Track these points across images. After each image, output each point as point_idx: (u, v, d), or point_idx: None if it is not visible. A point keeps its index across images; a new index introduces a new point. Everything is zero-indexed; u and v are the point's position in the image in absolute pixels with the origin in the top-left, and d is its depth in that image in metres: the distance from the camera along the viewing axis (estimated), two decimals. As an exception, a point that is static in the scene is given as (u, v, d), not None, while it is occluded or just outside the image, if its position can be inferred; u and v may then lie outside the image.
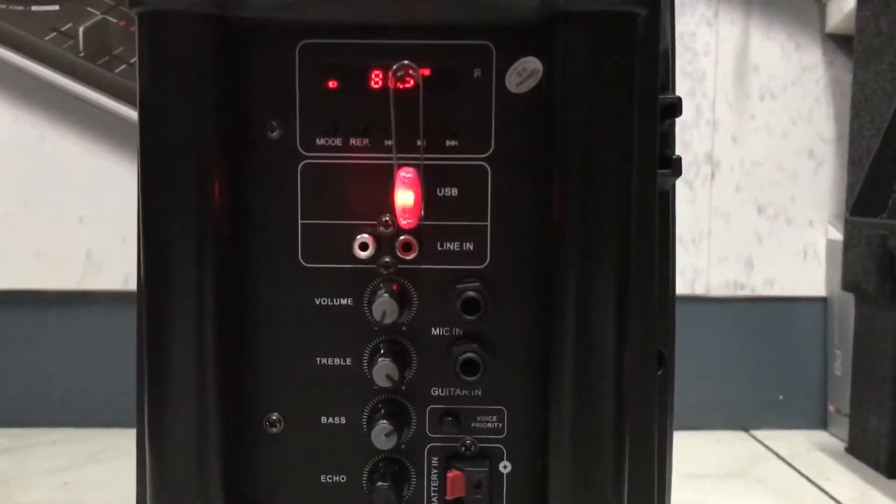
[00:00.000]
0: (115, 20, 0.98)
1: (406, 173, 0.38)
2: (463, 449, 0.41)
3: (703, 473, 0.96)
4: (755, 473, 0.96)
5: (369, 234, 0.40)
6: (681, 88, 1.05)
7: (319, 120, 0.39)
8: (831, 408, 1.09)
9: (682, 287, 1.08)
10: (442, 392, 0.41)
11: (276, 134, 0.40)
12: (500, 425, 0.41)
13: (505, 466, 0.41)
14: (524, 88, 0.39)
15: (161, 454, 0.39)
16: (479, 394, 0.41)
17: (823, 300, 1.09)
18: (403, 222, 0.38)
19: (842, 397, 1.06)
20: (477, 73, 0.39)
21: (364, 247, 0.40)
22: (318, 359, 0.41)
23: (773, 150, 1.08)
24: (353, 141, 0.39)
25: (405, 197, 0.38)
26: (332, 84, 0.39)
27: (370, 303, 0.40)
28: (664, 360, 0.44)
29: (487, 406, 0.41)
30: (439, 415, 0.41)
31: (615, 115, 0.36)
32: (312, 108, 0.39)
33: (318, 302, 0.40)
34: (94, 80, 0.99)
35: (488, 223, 0.40)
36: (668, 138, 0.43)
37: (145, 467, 0.39)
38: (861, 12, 0.97)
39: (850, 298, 1.03)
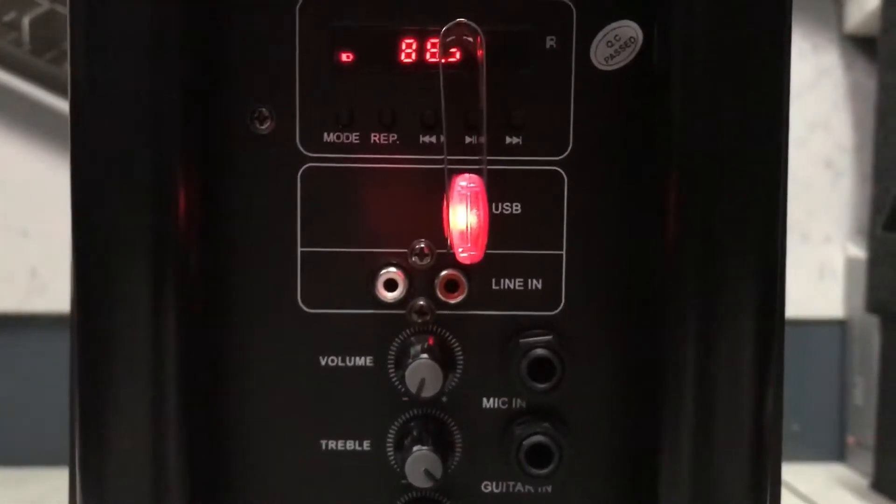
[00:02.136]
0: (64, 10, 0.92)
1: (467, 182, 0.26)
2: None
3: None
4: None
5: (397, 267, 0.31)
6: (692, 92, 0.96)
7: (328, 107, 0.31)
8: (851, 440, 1.02)
9: (691, 308, 0.99)
10: (497, 488, 0.32)
11: (266, 126, 0.31)
12: None
13: (584, 591, 0.30)
14: (617, 64, 0.30)
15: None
16: (549, 491, 0.32)
17: (841, 323, 1.03)
18: (462, 254, 0.27)
19: (863, 428, 0.98)
20: (550, 42, 0.30)
21: (391, 286, 0.31)
22: (323, 442, 0.32)
23: (789, 159, 1.01)
24: (374, 137, 0.31)
25: (466, 217, 0.26)
26: (345, 57, 0.31)
27: (398, 365, 0.31)
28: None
29: None
30: None
31: (763, 99, 0.26)
32: (318, 90, 0.31)
33: (324, 362, 0.31)
34: (40, 76, 0.93)
35: (563, 252, 0.31)
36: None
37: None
38: (888, 12, 0.91)
39: (872, 321, 0.96)
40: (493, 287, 0.31)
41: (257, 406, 0.31)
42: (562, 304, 0.31)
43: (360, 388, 0.31)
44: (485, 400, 0.31)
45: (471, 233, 0.26)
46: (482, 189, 0.27)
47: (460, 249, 0.27)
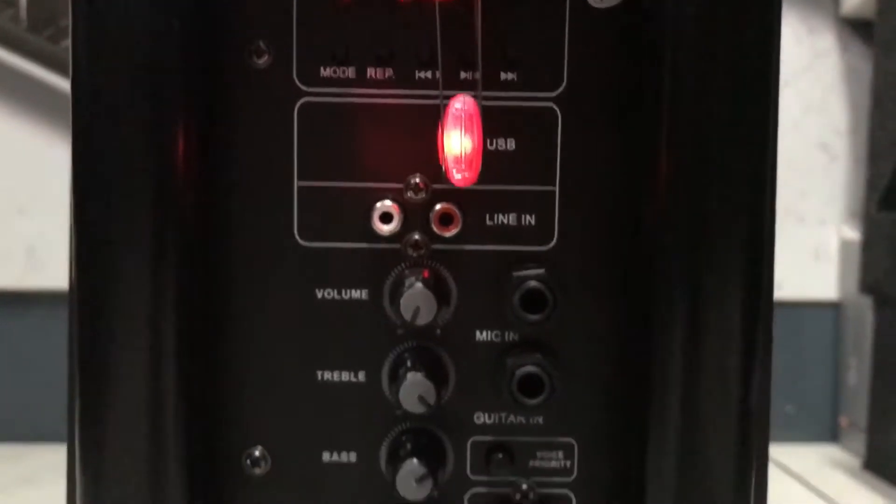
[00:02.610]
0: (62, -13, 0.91)
1: (462, 104, 0.27)
2: (518, 496, 0.32)
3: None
4: (769, 492, 0.90)
5: (393, 201, 0.31)
6: (688, 73, 0.97)
7: (325, 42, 0.31)
8: (844, 421, 1.02)
9: (686, 289, 1.00)
10: (489, 419, 0.32)
11: (264, 61, 0.31)
12: (569, 464, 0.32)
13: (575, 520, 0.31)
14: (611, 2, 0.30)
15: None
16: (541, 421, 0.32)
17: (835, 305, 1.03)
18: (457, 176, 0.27)
19: (856, 409, 0.99)
20: None
21: (386, 218, 0.31)
22: (319, 373, 0.32)
23: (784, 142, 1.01)
24: (371, 72, 0.31)
25: (461, 141, 0.27)
26: None
27: (393, 296, 0.31)
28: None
29: (551, 438, 0.32)
30: (485, 450, 0.32)
31: (757, 36, 0.27)
32: (315, 25, 0.31)
33: (320, 295, 0.32)
34: (38, 53, 0.93)
35: (556, 188, 0.31)
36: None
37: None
38: (884, -6, 0.92)
39: (866, 303, 0.97)
40: (487, 222, 0.31)
41: (253, 339, 0.32)
42: (554, 240, 0.31)
43: (355, 321, 0.31)
44: (478, 333, 0.31)
45: (465, 156, 0.27)
46: (476, 112, 0.27)
47: (454, 170, 0.27)
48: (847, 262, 0.99)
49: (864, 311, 0.96)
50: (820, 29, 0.98)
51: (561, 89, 0.31)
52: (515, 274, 0.30)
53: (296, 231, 0.31)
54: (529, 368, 0.30)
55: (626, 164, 0.30)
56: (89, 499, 0.30)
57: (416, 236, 0.31)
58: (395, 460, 0.30)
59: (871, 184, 0.95)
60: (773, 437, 0.99)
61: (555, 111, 0.31)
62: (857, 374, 0.99)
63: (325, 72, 0.31)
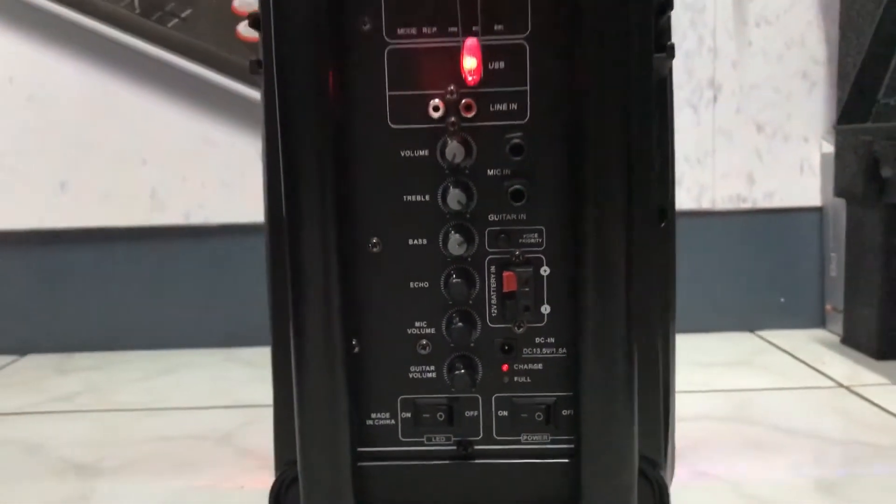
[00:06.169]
0: (165, -22, 1.10)
1: (470, 42, 0.53)
2: (513, 259, 0.55)
3: (712, 363, 1.09)
4: (759, 362, 1.10)
5: (439, 99, 0.53)
6: (682, 20, 1.18)
7: (400, 14, 0.53)
8: (828, 307, 1.22)
9: (689, 202, 1.21)
10: (497, 217, 0.55)
11: (367, 27, 0.53)
12: (541, 240, 0.55)
13: (545, 270, 0.55)
14: None
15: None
16: (524, 217, 0.54)
17: (819, 209, 1.21)
18: (469, 79, 0.54)
19: (838, 296, 1.18)
20: None
21: (436, 109, 0.53)
22: (404, 196, 0.54)
23: (770, 73, 1.20)
24: (424, 29, 0.53)
25: (471, 61, 0.53)
26: None
27: (442, 151, 0.54)
28: (665, 215, 0.57)
29: (531, 226, 0.55)
30: (495, 234, 0.55)
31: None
32: (394, 4, 0.53)
33: (402, 154, 0.54)
34: (149, 34, 1.11)
35: (528, 88, 0.53)
36: (666, 31, 0.58)
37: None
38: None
39: (842, 204, 1.15)
40: (491, 109, 0.52)
41: (367, 180, 0.53)
42: (528, 117, 0.53)
43: (422, 167, 0.53)
44: (489, 170, 0.53)
45: (473, 69, 0.52)
46: (477, 45, 0.52)
47: (468, 77, 0.52)
48: (827, 173, 1.18)
49: (840, 213, 1.15)
50: (797, -26, 1.14)
51: (527, 32, 0.53)
52: (506, 136, 0.55)
53: (388, 119, 0.53)
54: (516, 186, 0.54)
55: (566, 74, 0.54)
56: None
57: (452, 119, 0.52)
58: (447, 239, 0.55)
59: (839, 103, 1.12)
60: (769, 324, 1.24)
61: (525, 45, 0.52)
62: (837, 266, 1.17)
63: (400, 31, 0.51)
